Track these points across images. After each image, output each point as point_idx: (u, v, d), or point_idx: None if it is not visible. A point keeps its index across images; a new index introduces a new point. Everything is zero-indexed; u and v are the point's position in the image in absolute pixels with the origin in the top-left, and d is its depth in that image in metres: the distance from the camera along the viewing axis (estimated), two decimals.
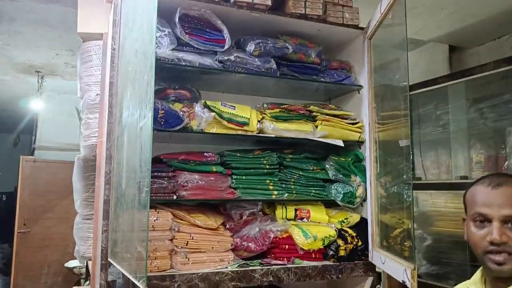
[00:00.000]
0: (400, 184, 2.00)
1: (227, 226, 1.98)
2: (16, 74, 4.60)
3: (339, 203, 2.07)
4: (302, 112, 2.09)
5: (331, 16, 2.11)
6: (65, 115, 5.19)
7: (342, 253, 1.98)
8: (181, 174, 1.85)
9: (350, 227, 2.07)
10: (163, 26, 1.85)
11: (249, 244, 1.92)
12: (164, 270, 1.73)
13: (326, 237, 1.97)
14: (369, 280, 2.03)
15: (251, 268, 1.83)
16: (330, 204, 2.16)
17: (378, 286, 2.88)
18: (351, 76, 2.23)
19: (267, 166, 2.03)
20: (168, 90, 1.94)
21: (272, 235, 1.95)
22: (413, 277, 1.51)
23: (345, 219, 2.08)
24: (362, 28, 2.17)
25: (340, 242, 1.99)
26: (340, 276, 1.96)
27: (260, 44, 2.00)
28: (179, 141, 2.10)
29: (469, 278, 1.22)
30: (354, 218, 2.10)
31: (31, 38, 3.62)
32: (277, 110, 2.05)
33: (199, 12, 1.92)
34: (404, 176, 1.98)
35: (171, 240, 1.79)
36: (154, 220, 1.75)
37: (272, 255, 1.95)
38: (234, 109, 1.96)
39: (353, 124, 2.14)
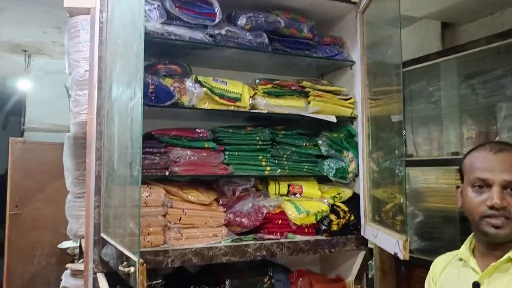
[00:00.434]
0: (392, 159, 2.01)
1: (220, 202, 1.98)
2: (2, 53, 4.50)
3: (331, 178, 2.08)
4: (294, 88, 2.08)
5: None
6: (54, 95, 5.10)
7: (334, 227, 2.00)
8: (173, 150, 1.84)
9: (342, 202, 2.08)
10: None
11: (242, 219, 1.93)
12: (157, 246, 1.73)
13: (318, 212, 1.98)
14: (361, 254, 2.05)
15: (244, 243, 1.84)
16: (322, 180, 2.16)
17: (370, 261, 2.92)
18: (343, 52, 2.21)
19: (260, 142, 2.03)
20: (158, 65, 1.91)
21: (265, 211, 1.96)
22: (405, 249, 1.53)
23: (337, 194, 2.09)
24: (354, 3, 2.15)
25: (332, 217, 2.01)
26: (332, 250, 1.98)
27: (252, 18, 1.96)
28: (170, 118, 2.08)
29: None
30: (347, 193, 2.11)
31: (16, 14, 3.52)
32: (270, 86, 2.03)
33: None
34: (396, 151, 1.99)
35: (164, 216, 1.79)
36: (147, 196, 1.74)
37: (265, 230, 1.96)
38: (226, 84, 1.94)
39: (345, 100, 2.14)
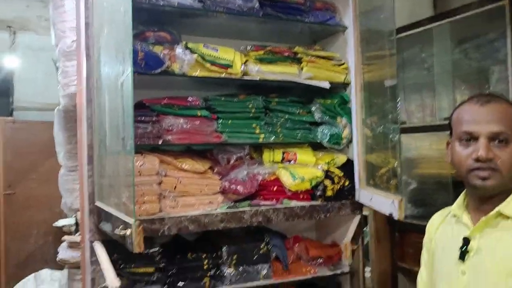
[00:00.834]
0: (386, 124, 2.01)
1: (215, 170, 1.97)
2: None
3: (325, 145, 2.08)
4: (287, 54, 2.05)
5: None
6: (42, 73, 5.01)
7: (329, 193, 2.01)
8: (165, 119, 1.82)
9: (337, 168, 2.09)
10: None
11: (238, 187, 1.93)
12: (153, 214, 1.73)
13: (313, 178, 1.99)
14: (357, 218, 2.07)
15: (240, 209, 1.85)
16: (316, 147, 2.16)
17: (365, 228, 2.96)
18: (335, 17, 2.18)
19: (253, 110, 2.01)
20: (147, 32, 1.87)
21: (260, 178, 1.96)
22: (401, 208, 1.54)
23: (331, 160, 2.10)
24: None
25: (327, 182, 2.02)
26: (327, 215, 2.00)
27: None
28: (161, 87, 2.05)
29: None
30: (341, 159, 2.12)
31: None
32: (261, 52, 2.01)
33: None
34: (390, 116, 1.99)
35: (158, 184, 1.79)
36: (140, 165, 1.73)
37: (261, 197, 1.97)
38: (217, 51, 1.91)
39: (338, 65, 2.12)
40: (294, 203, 1.96)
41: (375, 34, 2.04)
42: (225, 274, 1.92)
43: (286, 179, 1.96)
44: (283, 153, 2.07)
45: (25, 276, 3.91)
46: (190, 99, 1.91)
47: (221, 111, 1.95)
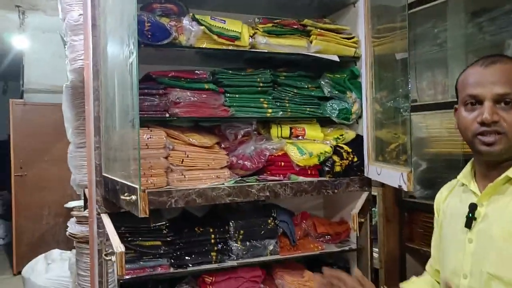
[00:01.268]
0: (397, 98, 1.96)
1: (222, 146, 1.96)
2: None
3: (334, 119, 2.04)
4: (296, 26, 2.01)
5: None
6: (51, 55, 5.01)
7: (337, 169, 1.99)
8: (173, 91, 1.80)
9: (345, 144, 2.06)
10: None
11: (245, 162, 1.91)
12: (160, 187, 1.73)
13: (321, 153, 1.97)
14: (364, 194, 2.05)
15: (247, 183, 1.84)
16: (325, 123, 2.13)
17: (374, 208, 2.94)
18: None
19: (261, 84, 1.98)
20: (154, 4, 1.84)
21: (267, 153, 1.94)
22: (409, 180, 1.51)
23: (340, 135, 2.07)
24: None
25: (335, 158, 1.99)
26: (336, 191, 1.98)
27: None
28: (168, 62, 2.03)
29: None
30: (350, 134, 2.09)
31: None
32: (270, 24, 1.97)
33: None
34: (401, 90, 1.95)
35: (166, 158, 1.78)
36: (148, 138, 1.73)
37: (268, 173, 1.95)
38: (225, 23, 1.88)
39: (348, 39, 2.07)
40: (301, 179, 1.94)
41: (387, 9, 1.99)
42: (232, 249, 1.92)
43: (294, 154, 1.94)
44: (291, 128, 2.05)
45: (36, 256, 3.97)
46: (197, 72, 1.88)
47: (229, 84, 1.92)
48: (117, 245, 1.14)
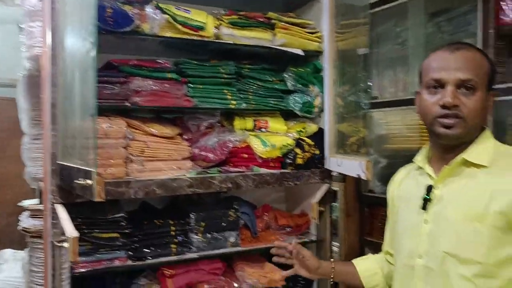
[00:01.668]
0: (358, 93, 2.01)
1: (185, 137, 1.94)
2: None
3: (297, 112, 2.07)
4: (261, 19, 2.01)
5: None
6: (9, 47, 4.79)
7: (299, 161, 2.00)
8: (134, 80, 1.76)
9: (308, 137, 2.08)
10: None
11: (208, 154, 1.90)
12: (119, 178, 1.69)
13: (284, 145, 1.98)
14: (325, 186, 2.08)
15: (209, 175, 1.82)
16: (288, 116, 2.15)
17: (335, 203, 2.98)
18: None
19: (225, 76, 1.97)
20: None
21: (230, 145, 1.93)
22: (368, 169, 1.55)
23: (303, 128, 2.09)
24: None
25: (297, 150, 2.01)
26: (297, 183, 2.00)
27: None
28: (131, 51, 1.99)
29: None
30: (312, 128, 2.11)
31: None
32: (235, 16, 1.96)
33: None
34: (362, 85, 1.99)
35: (125, 148, 1.74)
36: (107, 127, 1.68)
37: (231, 164, 1.94)
38: (189, 13, 1.86)
39: (312, 33, 2.10)
40: (264, 170, 1.94)
41: (350, 6, 2.03)
42: (193, 241, 1.90)
43: (257, 146, 1.94)
44: (254, 121, 2.05)
45: None
46: (160, 61, 1.86)
47: (192, 74, 1.90)
48: (71, 231, 1.10)
